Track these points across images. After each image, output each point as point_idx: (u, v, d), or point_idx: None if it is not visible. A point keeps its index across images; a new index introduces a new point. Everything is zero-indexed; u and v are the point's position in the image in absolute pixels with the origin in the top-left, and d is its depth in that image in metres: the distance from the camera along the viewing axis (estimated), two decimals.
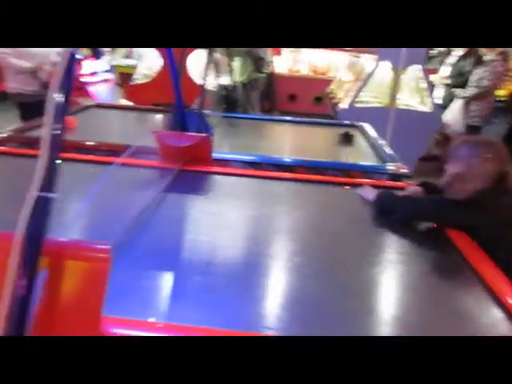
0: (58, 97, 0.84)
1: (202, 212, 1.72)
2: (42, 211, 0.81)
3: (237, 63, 4.27)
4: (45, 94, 2.80)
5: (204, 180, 2.07)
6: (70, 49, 0.85)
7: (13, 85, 3.43)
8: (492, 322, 1.10)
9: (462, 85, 4.88)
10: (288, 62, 8.02)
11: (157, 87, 4.29)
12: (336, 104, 5.37)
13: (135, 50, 6.71)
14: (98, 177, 1.29)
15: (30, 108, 3.38)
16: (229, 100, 3.60)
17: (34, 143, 2.35)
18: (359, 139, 2.92)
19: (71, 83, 0.87)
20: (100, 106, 3.57)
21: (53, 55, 3.65)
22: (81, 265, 0.87)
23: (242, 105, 3.81)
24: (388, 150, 2.55)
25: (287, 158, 2.40)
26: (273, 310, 1.13)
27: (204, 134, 2.00)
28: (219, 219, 1.63)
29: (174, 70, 1.85)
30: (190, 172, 2.04)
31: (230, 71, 3.97)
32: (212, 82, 3.71)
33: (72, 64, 0.86)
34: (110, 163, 2.00)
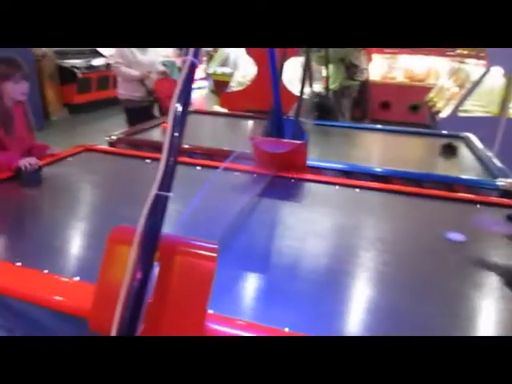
0: (178, 105, 0.90)
1: (294, 218, 1.72)
2: (159, 209, 0.87)
3: (330, 70, 4.24)
4: (150, 100, 3.05)
5: (297, 187, 2.07)
6: (192, 58, 0.90)
7: (122, 91, 3.76)
8: None
9: None
10: (382, 68, 7.76)
11: (250, 95, 4.41)
12: (436, 113, 5.07)
13: (231, 58, 6.99)
14: (197, 178, 1.35)
15: (136, 113, 3.68)
16: (321, 107, 3.57)
17: (140, 145, 2.56)
18: (463, 151, 2.72)
19: (191, 92, 0.93)
20: (197, 112, 3.77)
21: (159, 65, 3.94)
22: (190, 261, 0.91)
23: (334, 112, 3.76)
24: (498, 164, 2.34)
25: (383, 168, 2.31)
26: (360, 320, 1.11)
27: (300, 141, 2.01)
28: (310, 226, 1.62)
29: (275, 77, 1.88)
30: (284, 178, 2.06)
31: (323, 78, 3.95)
32: (305, 90, 3.71)
33: (192, 72, 0.91)
34: (208, 166, 2.11)
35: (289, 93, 4.00)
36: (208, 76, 7.07)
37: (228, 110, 4.45)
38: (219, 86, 6.68)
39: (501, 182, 2.06)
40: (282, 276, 1.29)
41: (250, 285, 1.26)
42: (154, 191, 0.85)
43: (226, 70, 7.09)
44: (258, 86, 4.31)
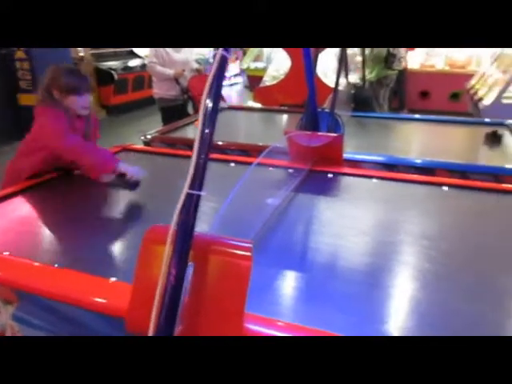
0: (209, 100, 0.87)
1: (331, 214, 1.68)
2: (191, 208, 0.86)
3: (367, 60, 4.11)
4: (184, 98, 3.03)
5: (334, 181, 2.02)
6: (223, 52, 0.88)
7: (157, 90, 3.81)
8: None
9: None
10: (420, 56, 7.47)
11: (284, 89, 4.35)
12: (478, 100, 4.83)
13: (265, 52, 6.94)
14: (232, 175, 1.33)
15: (171, 111, 3.72)
16: (358, 99, 3.47)
17: (174, 143, 2.58)
18: (509, 139, 2.56)
19: (221, 87, 0.90)
20: (232, 107, 3.76)
21: (193, 62, 3.96)
22: (225, 260, 0.90)
23: (371, 103, 3.65)
24: None
25: (423, 160, 2.22)
26: (403, 319, 1.06)
27: (335, 134, 1.95)
28: (349, 222, 1.57)
29: (310, 69, 1.83)
30: (320, 172, 2.01)
31: (360, 69, 3.83)
32: (341, 81, 3.62)
33: (223, 66, 0.89)
34: (243, 162, 2.09)
35: (323, 85, 3.91)
36: (242, 71, 7.07)
37: (262, 104, 4.42)
38: (253, 81, 6.65)
39: None
40: (321, 274, 1.25)
41: (289, 284, 1.23)
42: (185, 190, 0.84)
43: (260, 64, 7.05)
44: (292, 80, 4.24)
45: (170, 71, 3.66)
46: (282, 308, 1.09)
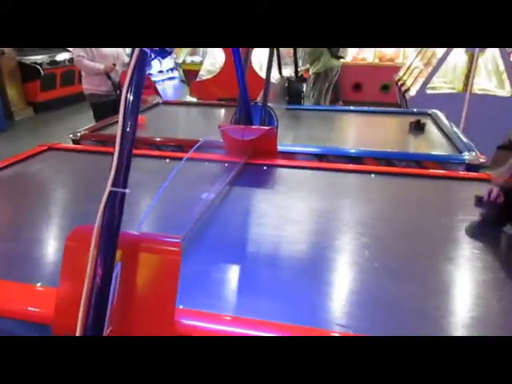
0: (129, 95, 0.86)
1: (268, 205, 1.71)
2: (116, 206, 0.84)
3: (308, 51, 4.19)
4: (116, 94, 2.92)
5: (270, 173, 2.05)
6: (142, 48, 0.87)
7: (87, 86, 3.64)
8: None
9: None
10: (352, 49, 7.76)
11: (221, 83, 4.35)
12: (405, 92, 5.11)
13: None
14: (167, 171, 1.32)
15: (103, 108, 3.58)
16: (292, 92, 3.55)
17: (106, 141, 2.49)
18: (431, 127, 2.75)
19: (142, 81, 0.89)
20: (167, 103, 3.69)
21: (124, 56, 3.82)
22: (153, 257, 0.89)
23: (305, 96, 3.74)
24: (464, 139, 2.37)
25: (355, 149, 2.32)
26: (341, 305, 1.09)
27: (268, 127, 1.99)
28: (286, 213, 1.61)
29: (240, 64, 1.84)
30: (255, 165, 2.04)
31: (294, 62, 3.91)
32: (275, 75, 3.68)
33: (144, 62, 0.88)
34: (178, 158, 2.07)
35: (259, 78, 3.96)
36: (177, 66, 6.95)
37: (199, 99, 4.38)
38: (189, 75, 6.57)
39: (467, 156, 2.09)
40: (258, 265, 1.27)
41: (226, 276, 1.24)
42: (107, 188, 0.82)
43: (196, 58, 6.96)
44: (228, 74, 4.23)
45: (99, 66, 3.52)
46: (219, 300, 1.09)
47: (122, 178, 0.84)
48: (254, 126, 2.03)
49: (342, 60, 5.13)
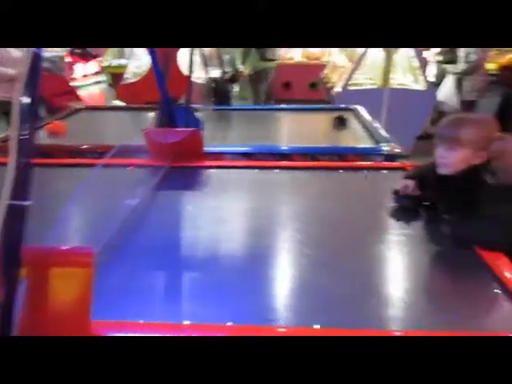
0: (23, 100, 0.81)
1: (197, 207, 1.69)
2: (17, 220, 0.79)
3: (237, 54, 4.21)
4: None
5: (197, 175, 2.04)
6: (33, 48, 0.82)
7: None
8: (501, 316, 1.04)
9: (453, 61, 4.82)
10: (280, 49, 7.92)
11: (148, 85, 4.22)
12: (331, 88, 5.31)
13: (126, 48, 6.65)
14: (87, 179, 1.27)
15: None
16: (219, 92, 3.55)
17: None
18: (353, 122, 2.87)
19: (37, 84, 0.84)
20: (90, 108, 3.54)
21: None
22: (63, 271, 0.84)
23: (242, 98, 3.76)
24: (382, 131, 2.51)
25: (281, 146, 2.37)
26: (277, 301, 1.10)
27: (192, 129, 1.97)
28: (216, 213, 1.60)
29: (157, 66, 1.81)
30: (182, 168, 2.01)
31: (221, 63, 3.92)
32: (201, 76, 3.66)
33: (37, 64, 0.83)
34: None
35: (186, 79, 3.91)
36: (103, 69, 6.68)
37: (127, 102, 4.25)
38: (117, 78, 6.33)
39: (384, 147, 2.22)
40: (187, 269, 1.26)
41: (157, 283, 1.20)
42: (4, 201, 0.77)
43: (123, 61, 6.73)
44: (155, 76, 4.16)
45: (11, 71, 3.29)
46: (145, 308, 1.06)
47: (21, 190, 0.79)
48: (177, 129, 2.00)
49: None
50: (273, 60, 5.20)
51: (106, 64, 6.63)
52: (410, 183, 1.54)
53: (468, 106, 4.69)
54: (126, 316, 0.97)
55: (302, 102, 5.21)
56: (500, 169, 1.26)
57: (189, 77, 2.21)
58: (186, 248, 1.41)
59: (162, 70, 1.92)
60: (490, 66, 5.32)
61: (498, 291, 1.08)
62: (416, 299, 1.10)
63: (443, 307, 1.07)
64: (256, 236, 1.46)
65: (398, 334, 0.94)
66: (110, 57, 6.66)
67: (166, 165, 1.93)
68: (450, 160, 1.35)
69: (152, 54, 1.75)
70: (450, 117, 1.46)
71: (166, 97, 1.95)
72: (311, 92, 7.49)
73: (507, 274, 1.12)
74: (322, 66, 6.82)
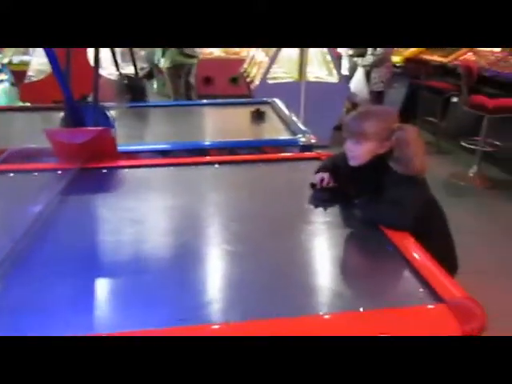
0: None
1: (111, 210, 1.60)
2: None
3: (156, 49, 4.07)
4: None
5: (111, 176, 1.94)
6: None
7: None
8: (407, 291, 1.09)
9: (362, 54, 5.11)
10: None
11: (55, 83, 3.95)
12: (250, 83, 5.36)
13: None
14: None
15: None
16: (133, 89, 3.41)
17: None
18: (271, 115, 2.92)
19: None
20: None
21: None
22: None
23: (148, 93, 3.64)
24: (298, 123, 2.57)
25: (199, 142, 2.34)
26: (201, 300, 1.06)
27: (102, 128, 1.87)
28: (132, 215, 1.53)
29: (56, 65, 1.68)
30: (94, 169, 1.90)
31: (133, 59, 3.76)
32: (112, 72, 3.50)
33: None
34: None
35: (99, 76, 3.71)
36: (4, 67, 6.12)
37: (31, 103, 3.94)
38: (20, 77, 5.83)
39: (301, 138, 2.28)
40: (102, 274, 1.19)
41: (63, 293, 1.10)
42: None
43: (25, 58, 6.21)
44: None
45: None
46: (53, 319, 0.98)
47: None
48: (85, 128, 1.89)
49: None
50: (192, 56, 5.12)
51: (5, 61, 6.08)
52: (326, 175, 1.58)
53: (376, 96, 5.00)
54: (32, 331, 0.88)
55: (223, 97, 5.21)
56: (400, 157, 1.35)
57: (95, 73, 2.09)
58: (93, 252, 1.33)
59: (64, 69, 1.79)
60: (396, 59, 5.71)
61: (405, 269, 1.15)
62: (331, 283, 1.14)
63: (356, 287, 1.12)
64: (176, 235, 1.42)
65: (312, 317, 0.96)
66: (10, 52, 6.12)
67: (76, 167, 1.81)
68: (357, 153, 1.43)
69: (48, 52, 1.62)
70: (354, 112, 1.53)
71: (68, 95, 1.83)
72: (233, 87, 7.51)
73: (413, 253, 1.19)
74: (242, 61, 6.86)
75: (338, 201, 1.56)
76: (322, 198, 1.59)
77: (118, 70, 3.48)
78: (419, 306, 0.97)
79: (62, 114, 3.08)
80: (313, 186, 1.61)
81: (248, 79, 5.60)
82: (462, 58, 4.96)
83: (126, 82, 3.43)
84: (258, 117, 2.79)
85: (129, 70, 3.96)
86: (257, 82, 4.97)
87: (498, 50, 4.66)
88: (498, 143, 4.21)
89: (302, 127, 2.47)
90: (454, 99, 4.91)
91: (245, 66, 6.36)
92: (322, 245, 1.37)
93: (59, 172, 1.84)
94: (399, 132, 1.38)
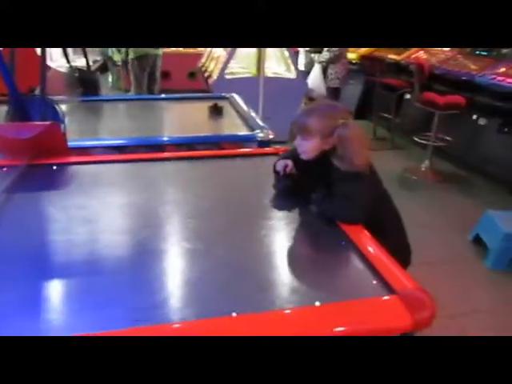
0: None
1: (61, 208, 1.52)
2: None
3: None
4: None
5: (61, 172, 1.85)
6: None
7: None
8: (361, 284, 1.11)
9: (319, 50, 5.18)
10: None
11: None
12: (208, 77, 5.30)
13: None
14: None
15: None
16: (85, 83, 3.28)
17: None
18: (229, 110, 2.89)
19: None
20: None
21: None
22: None
23: (98, 87, 3.50)
24: (256, 119, 2.57)
25: (155, 138, 2.28)
26: (158, 300, 1.03)
27: (49, 122, 1.78)
28: (84, 213, 1.47)
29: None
30: (42, 166, 1.81)
31: (84, 52, 3.61)
32: (63, 65, 3.35)
33: None
34: None
35: (48, 68, 3.54)
36: None
37: None
38: None
39: (258, 134, 2.27)
40: (55, 275, 1.14)
41: (10, 296, 1.04)
42: None
43: None
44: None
45: None
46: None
47: None
48: (32, 123, 1.79)
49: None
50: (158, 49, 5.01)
51: None
52: (289, 162, 1.58)
53: (333, 92, 5.08)
54: None
55: (181, 92, 5.11)
56: (342, 154, 1.37)
57: (42, 64, 1.99)
58: (48, 254, 1.27)
59: (9, 60, 1.68)
60: (352, 56, 5.83)
61: (358, 262, 1.17)
62: (287, 278, 1.14)
63: (312, 282, 1.13)
64: (132, 234, 1.37)
65: (268, 314, 0.96)
66: None
67: (22, 163, 1.72)
68: (305, 148, 1.46)
69: None
70: (301, 109, 1.54)
71: (13, 88, 1.72)
72: (191, 81, 7.40)
73: (367, 247, 1.22)
74: (200, 55, 6.77)
75: (301, 188, 1.57)
76: (286, 184, 1.59)
77: (68, 62, 3.33)
78: (372, 298, 0.99)
79: (6, 107, 2.95)
80: (276, 173, 1.61)
81: (206, 74, 5.53)
82: (414, 56, 5.13)
83: (77, 74, 3.29)
84: (216, 112, 2.76)
85: (81, 62, 3.82)
86: (215, 76, 4.93)
87: (447, 48, 4.85)
88: (448, 138, 4.39)
89: (260, 123, 2.47)
90: (407, 96, 5.08)
91: (203, 60, 6.29)
92: (280, 240, 1.37)
93: (4, 169, 1.73)
94: (340, 129, 1.39)
